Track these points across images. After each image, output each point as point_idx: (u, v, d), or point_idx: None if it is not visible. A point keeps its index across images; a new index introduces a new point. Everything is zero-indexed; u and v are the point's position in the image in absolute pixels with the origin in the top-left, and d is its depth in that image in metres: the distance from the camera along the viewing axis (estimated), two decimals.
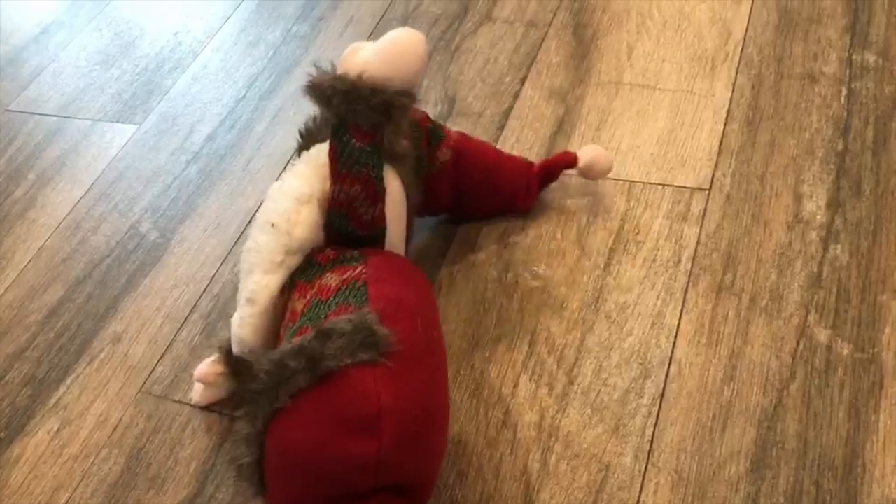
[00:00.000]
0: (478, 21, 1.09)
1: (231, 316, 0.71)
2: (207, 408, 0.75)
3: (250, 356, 0.62)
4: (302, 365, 0.54)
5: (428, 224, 0.86)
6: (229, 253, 0.89)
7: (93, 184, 1.00)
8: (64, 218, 0.96)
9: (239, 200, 0.94)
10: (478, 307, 0.79)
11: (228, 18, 1.19)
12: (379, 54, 0.65)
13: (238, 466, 0.60)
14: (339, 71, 0.65)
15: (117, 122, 1.07)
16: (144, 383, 0.79)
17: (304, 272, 0.65)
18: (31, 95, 1.14)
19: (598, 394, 0.71)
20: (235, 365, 0.67)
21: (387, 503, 0.56)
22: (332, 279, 0.63)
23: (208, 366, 0.73)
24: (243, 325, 0.66)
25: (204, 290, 0.86)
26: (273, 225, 0.66)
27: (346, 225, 0.67)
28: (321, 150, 0.69)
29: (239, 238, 0.90)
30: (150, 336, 0.83)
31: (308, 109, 0.79)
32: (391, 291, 0.61)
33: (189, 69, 1.12)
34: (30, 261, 0.92)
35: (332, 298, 0.61)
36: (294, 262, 0.66)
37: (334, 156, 0.66)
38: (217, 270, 0.87)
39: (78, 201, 0.98)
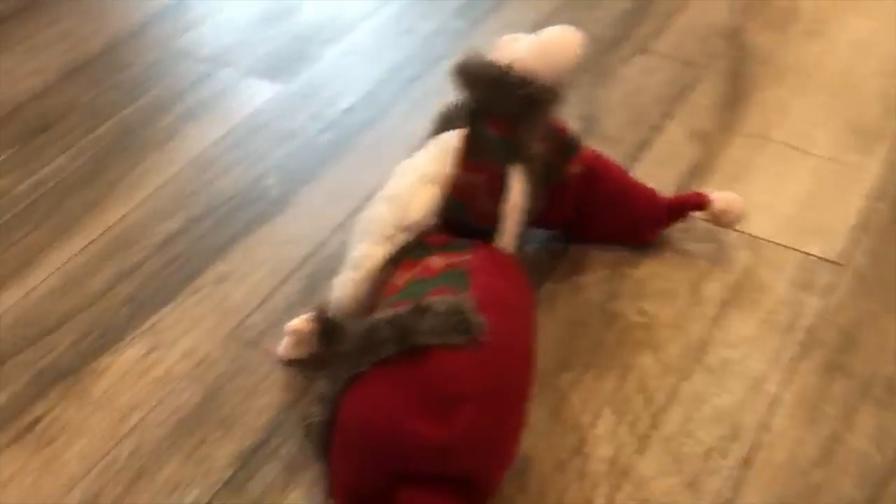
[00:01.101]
0: (634, 49, 1.07)
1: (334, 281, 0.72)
2: (290, 363, 0.76)
3: (344, 320, 0.63)
4: (392, 335, 0.54)
5: (538, 236, 0.85)
6: (343, 223, 0.90)
7: (229, 131, 1.03)
8: (197, 157, 1.00)
9: (363, 175, 0.95)
10: (574, 329, 0.77)
11: (389, 2, 1.21)
12: (533, 48, 0.64)
13: (308, 425, 0.60)
14: (491, 58, 0.65)
15: (265, 79, 1.11)
16: (237, 327, 0.80)
17: (412, 251, 0.65)
18: (190, 39, 1.19)
19: (681, 444, 0.68)
20: (328, 326, 0.68)
21: (442, 494, 0.55)
22: (437, 261, 0.63)
23: (302, 322, 0.74)
24: (344, 288, 0.67)
25: (312, 253, 0.87)
26: (393, 199, 0.66)
27: (463, 214, 0.67)
28: (454, 136, 0.69)
29: (356, 210, 0.91)
30: (252, 284, 0.84)
31: (448, 101, 0.79)
32: (493, 284, 0.60)
33: (341, 43, 1.15)
34: (158, 188, 0.96)
35: (434, 279, 0.60)
36: (403, 238, 0.66)
37: (466, 142, 0.66)
38: (329, 237, 0.88)
39: (212, 144, 1.01)
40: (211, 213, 0.92)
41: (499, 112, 0.65)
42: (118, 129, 1.05)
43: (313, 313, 0.73)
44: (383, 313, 0.56)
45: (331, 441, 0.59)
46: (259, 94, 1.08)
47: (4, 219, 0.95)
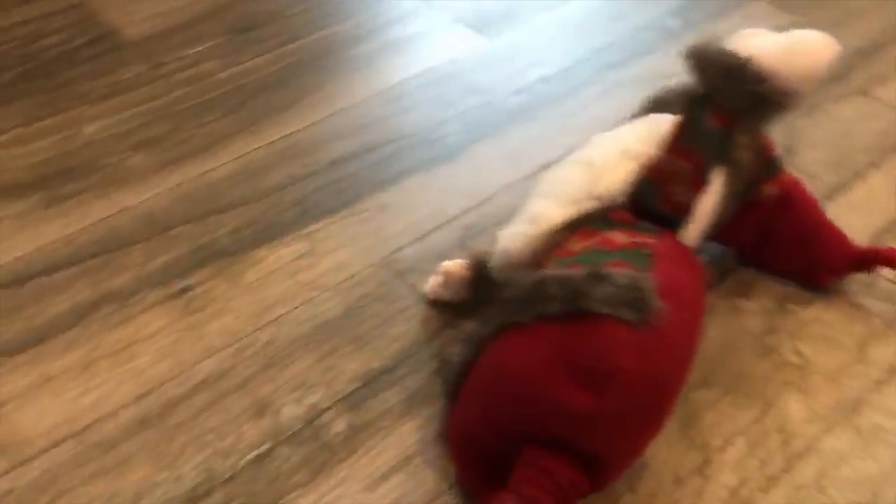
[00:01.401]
0: (853, 90, 1.01)
1: (495, 236, 0.72)
2: (432, 303, 0.76)
3: (504, 272, 0.62)
4: (562, 294, 0.53)
5: (712, 249, 0.81)
6: (512, 184, 0.89)
7: (423, 71, 1.04)
8: (386, 89, 1.01)
9: (544, 145, 0.94)
10: (724, 350, 0.74)
11: None
12: (778, 47, 0.61)
13: (445, 361, 0.60)
14: (730, 48, 0.63)
15: (470, 29, 1.11)
16: (389, 255, 0.81)
17: (593, 221, 0.64)
18: None
19: (810, 496, 0.64)
20: (481, 275, 0.67)
21: (564, 464, 0.53)
22: (619, 236, 0.61)
23: (455, 265, 0.73)
24: (513, 241, 0.66)
25: (475, 206, 0.87)
26: (588, 165, 0.65)
27: (654, 198, 0.65)
28: (666, 119, 0.67)
29: (527, 175, 0.90)
30: (412, 220, 0.85)
31: (643, 95, 0.77)
32: (674, 273, 0.58)
33: (553, 12, 1.14)
34: (342, 109, 0.98)
35: (614, 252, 0.59)
36: (588, 206, 0.64)
37: (681, 126, 0.64)
38: (494, 194, 0.88)
39: (404, 80, 1.03)
40: (386, 144, 0.94)
41: (724, 104, 0.62)
42: (318, 47, 1.08)
43: (469, 260, 0.72)
44: (555, 271, 0.55)
45: (463, 382, 0.59)
46: (461, 42, 1.09)
47: (201, 99, 0.99)
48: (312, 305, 0.76)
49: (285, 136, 0.94)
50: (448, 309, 0.76)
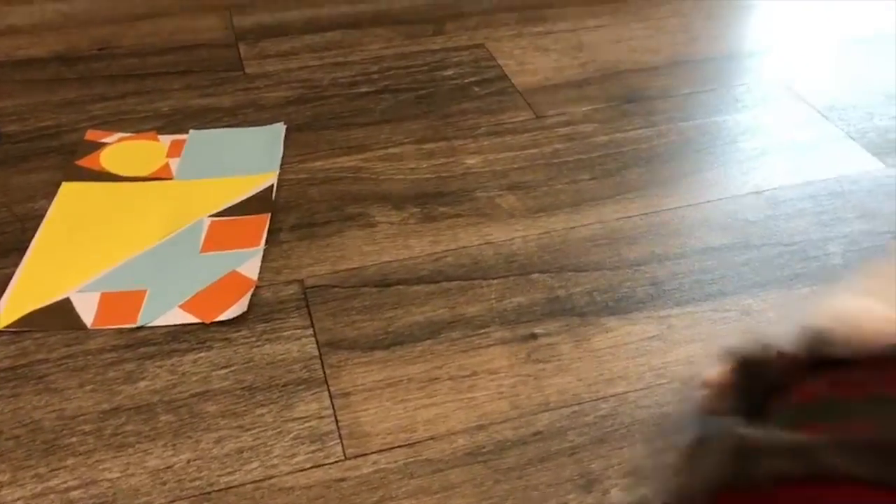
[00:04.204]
0: None
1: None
2: None
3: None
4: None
5: None
6: None
7: (808, 182, 0.97)
8: (766, 190, 0.96)
9: None
10: None
11: None
12: None
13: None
14: None
15: (866, 149, 1.03)
16: None
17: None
18: (806, 82, 1.15)
19: None
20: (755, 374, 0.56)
21: None
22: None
23: (720, 373, 0.65)
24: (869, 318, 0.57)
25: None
26: None
27: None
28: None
29: None
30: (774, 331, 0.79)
31: None
32: None
33: None
34: (718, 199, 0.95)
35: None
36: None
37: None
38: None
39: (786, 186, 0.97)
40: (761, 247, 0.88)
41: None
42: (703, 132, 1.05)
43: (739, 360, 0.63)
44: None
45: None
46: (854, 161, 1.01)
47: (578, 157, 1.01)
48: (656, 393, 0.73)
49: (655, 212, 0.93)
50: None
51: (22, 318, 0.78)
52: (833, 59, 1.21)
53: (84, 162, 0.98)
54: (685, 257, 0.87)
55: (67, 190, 0.94)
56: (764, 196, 0.95)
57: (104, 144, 1.01)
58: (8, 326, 0.78)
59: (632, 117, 1.08)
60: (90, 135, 1.03)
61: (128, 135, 1.03)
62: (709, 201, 0.94)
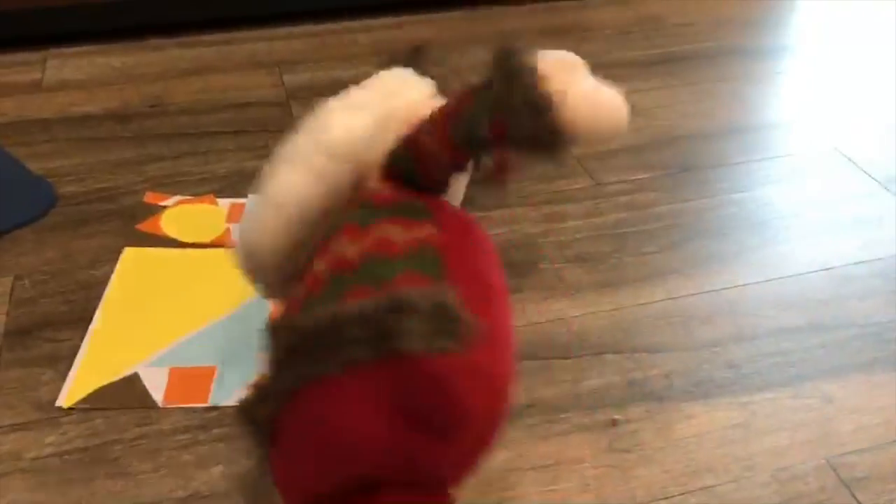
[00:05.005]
0: None
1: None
2: None
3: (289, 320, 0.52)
4: (366, 335, 0.47)
5: None
6: None
7: (875, 259, 0.96)
8: (832, 268, 0.95)
9: None
10: None
11: None
12: (588, 95, 0.55)
13: (249, 418, 0.52)
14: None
15: None
16: (837, 457, 0.74)
17: (354, 213, 0.56)
18: (863, 149, 1.14)
19: None
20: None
21: (416, 494, 0.50)
22: (396, 234, 0.53)
23: None
24: (261, 223, 0.59)
25: None
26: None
27: (412, 172, 0.59)
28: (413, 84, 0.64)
29: None
30: (864, 423, 0.77)
31: None
32: (470, 265, 0.53)
33: None
34: (784, 277, 0.93)
35: (399, 261, 0.51)
36: (332, 170, 0.58)
37: (454, 118, 0.57)
38: None
39: (852, 263, 0.96)
40: (836, 329, 0.87)
41: (506, 121, 0.55)
42: (762, 204, 1.05)
43: None
44: (349, 307, 0.47)
45: (276, 439, 0.52)
46: None
47: (640, 228, 1.00)
48: (745, 487, 0.71)
49: (725, 288, 0.91)
50: None
51: (92, 394, 0.77)
52: (888, 127, 1.21)
53: (144, 226, 0.97)
54: (759, 338, 0.85)
55: (130, 256, 0.93)
56: (833, 273, 0.94)
57: (164, 208, 1.00)
58: (78, 403, 0.76)
59: (689, 186, 1.07)
60: (149, 197, 1.02)
61: (186, 198, 1.02)
62: (778, 278, 0.93)
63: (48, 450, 0.72)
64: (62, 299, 0.87)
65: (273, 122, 1.19)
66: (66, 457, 0.72)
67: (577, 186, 1.07)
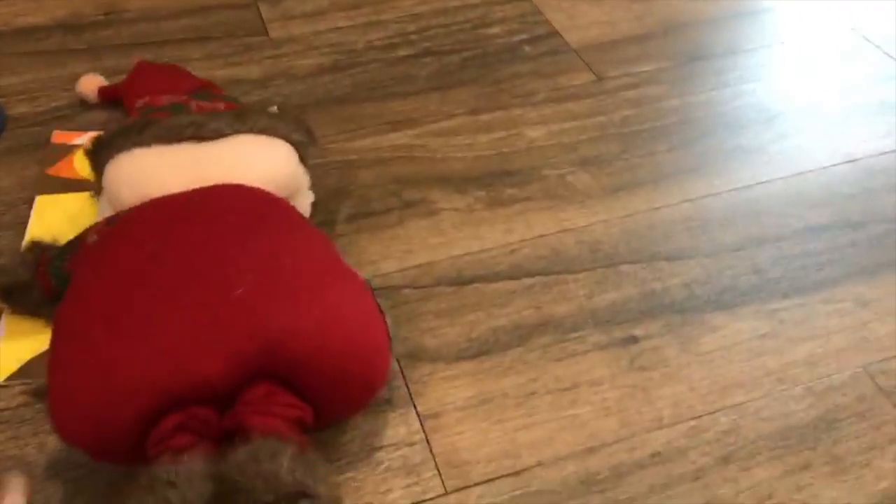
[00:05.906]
0: None
1: None
2: None
3: None
4: None
5: None
6: None
7: None
8: (858, 158, 0.88)
9: None
10: None
11: None
12: None
13: None
14: None
15: None
16: (874, 363, 0.68)
17: None
18: None
19: None
20: None
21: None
22: None
23: None
24: None
25: None
26: None
27: None
28: None
29: None
30: None
31: None
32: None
33: None
34: (808, 171, 0.86)
35: None
36: None
37: None
38: None
39: (879, 153, 0.89)
40: (867, 225, 0.80)
41: None
42: (776, 95, 0.96)
43: None
44: None
45: None
46: None
47: (650, 125, 0.92)
48: (779, 401, 0.66)
49: (745, 186, 0.84)
50: None
51: (21, 370, 0.68)
52: None
53: (55, 170, 0.85)
54: (784, 239, 0.79)
55: (43, 205, 0.81)
56: (858, 165, 0.87)
57: (76, 147, 0.87)
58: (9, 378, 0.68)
59: (699, 77, 0.99)
60: (57, 136, 0.89)
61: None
62: (799, 173, 0.86)
63: None
64: (14, 234, 0.79)
65: (242, 26, 1.08)
66: None
67: (577, 82, 0.98)
